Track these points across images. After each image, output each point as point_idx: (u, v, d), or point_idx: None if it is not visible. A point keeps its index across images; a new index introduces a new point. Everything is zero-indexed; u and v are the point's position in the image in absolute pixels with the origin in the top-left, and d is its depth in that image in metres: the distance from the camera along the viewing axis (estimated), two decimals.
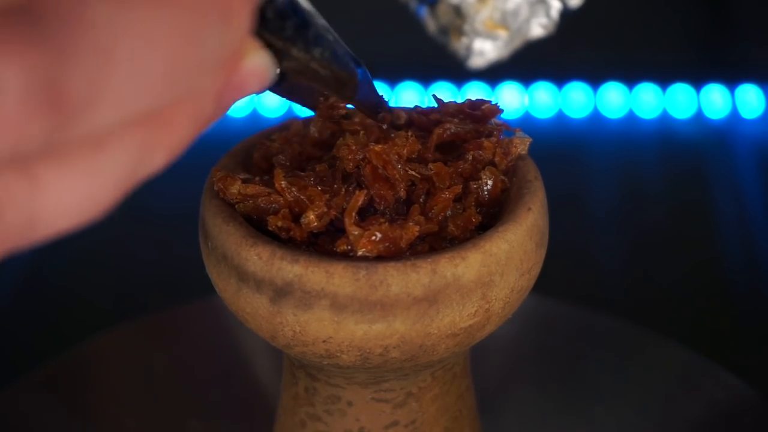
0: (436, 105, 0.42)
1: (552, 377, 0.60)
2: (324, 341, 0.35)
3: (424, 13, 0.57)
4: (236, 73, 0.23)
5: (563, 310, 0.64)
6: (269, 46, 0.26)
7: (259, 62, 0.24)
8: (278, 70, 0.27)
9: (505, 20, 0.54)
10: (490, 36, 0.54)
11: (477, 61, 0.56)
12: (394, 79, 0.97)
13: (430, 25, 0.57)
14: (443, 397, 0.42)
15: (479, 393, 0.46)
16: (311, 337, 0.35)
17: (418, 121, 0.41)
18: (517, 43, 0.56)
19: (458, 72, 0.96)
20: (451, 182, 0.37)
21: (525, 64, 0.98)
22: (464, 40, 0.55)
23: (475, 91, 0.96)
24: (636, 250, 0.80)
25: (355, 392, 0.40)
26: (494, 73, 0.96)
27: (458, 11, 0.55)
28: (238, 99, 0.24)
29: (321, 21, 0.29)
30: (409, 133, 0.38)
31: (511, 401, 0.59)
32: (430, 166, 0.37)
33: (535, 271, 0.38)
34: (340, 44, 0.30)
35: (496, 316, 0.37)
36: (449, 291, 0.35)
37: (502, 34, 0.54)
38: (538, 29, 0.56)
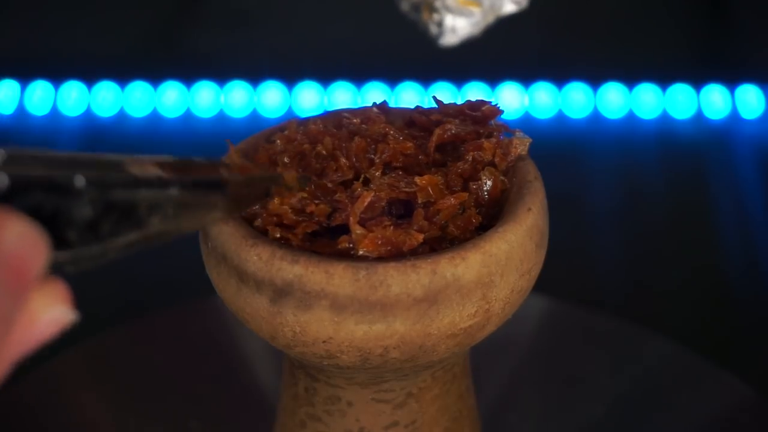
0: (436, 106, 0.42)
1: (552, 377, 0.60)
2: (324, 342, 0.35)
3: None
4: (26, 330, 0.23)
5: (563, 310, 0.64)
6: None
7: (53, 316, 0.23)
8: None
9: None
10: (462, 12, 0.54)
11: (449, 39, 0.55)
12: (394, 79, 0.97)
13: (403, 2, 0.56)
14: (443, 398, 0.42)
15: (480, 393, 0.46)
16: (311, 338, 0.35)
17: (419, 121, 0.41)
18: (490, 19, 0.55)
19: (458, 72, 0.96)
20: (443, 193, 0.37)
21: (525, 64, 0.98)
22: (436, 17, 0.54)
23: (475, 91, 0.96)
24: (636, 250, 0.80)
25: (355, 392, 0.40)
26: (494, 73, 0.96)
27: None
28: (31, 348, 0.24)
29: (149, 183, 0.26)
30: (401, 137, 0.38)
31: (511, 401, 0.59)
32: (417, 180, 0.37)
33: (535, 272, 0.38)
34: (184, 187, 0.27)
35: (496, 317, 0.37)
36: (449, 291, 0.35)
37: (475, 10, 0.54)
38: (510, 5, 0.55)
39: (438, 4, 0.54)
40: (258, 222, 0.37)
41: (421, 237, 0.35)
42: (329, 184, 0.38)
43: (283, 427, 0.44)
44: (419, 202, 0.37)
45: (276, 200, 0.36)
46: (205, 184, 0.29)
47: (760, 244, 0.80)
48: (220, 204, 0.29)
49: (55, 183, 0.22)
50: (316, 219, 0.36)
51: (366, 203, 0.35)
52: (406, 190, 0.37)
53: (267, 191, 0.35)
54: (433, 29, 0.55)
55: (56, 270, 0.23)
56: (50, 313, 0.22)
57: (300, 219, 0.36)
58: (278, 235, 0.36)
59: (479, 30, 0.55)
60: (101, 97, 0.97)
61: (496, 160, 0.39)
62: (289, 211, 0.36)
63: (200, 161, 0.30)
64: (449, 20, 0.54)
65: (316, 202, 0.36)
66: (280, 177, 0.36)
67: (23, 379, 0.59)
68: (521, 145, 0.40)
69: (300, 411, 0.42)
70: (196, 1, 1.01)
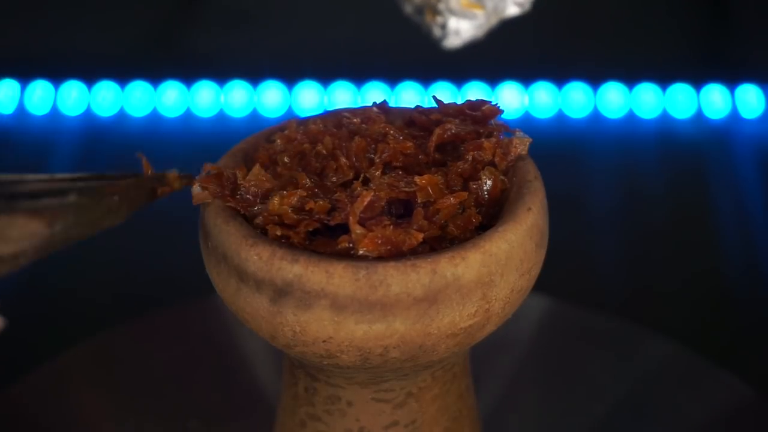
0: (436, 105, 0.42)
1: (552, 377, 0.60)
2: (324, 341, 0.35)
3: None
4: None
5: (563, 310, 0.64)
6: None
7: None
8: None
9: None
10: (465, 15, 0.54)
11: (453, 41, 0.55)
12: (394, 79, 0.97)
13: (406, 5, 0.56)
14: (443, 397, 0.42)
15: (480, 393, 0.46)
16: (311, 337, 0.35)
17: (419, 120, 0.41)
18: (494, 21, 0.55)
19: (458, 72, 0.96)
20: (442, 192, 0.37)
21: (525, 64, 0.98)
22: (439, 20, 0.54)
23: (475, 91, 0.96)
24: (636, 250, 0.80)
25: (355, 392, 0.40)
26: (494, 73, 0.96)
27: None
28: None
29: None
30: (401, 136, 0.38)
31: (511, 401, 0.59)
32: (417, 179, 0.37)
33: (535, 271, 0.38)
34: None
35: (496, 316, 0.37)
36: (449, 291, 0.35)
37: (478, 12, 0.54)
38: (513, 8, 0.55)
39: (441, 6, 0.54)
40: (258, 220, 0.37)
41: (420, 236, 0.35)
42: (329, 184, 0.38)
43: (283, 426, 0.44)
44: (419, 201, 0.37)
45: (276, 200, 0.36)
46: (100, 188, 0.31)
47: (760, 244, 0.80)
48: (114, 207, 0.32)
49: None
50: (317, 216, 0.36)
51: (366, 203, 0.35)
52: (406, 189, 0.37)
53: (153, 191, 0.37)
54: (437, 32, 0.55)
55: None
56: None
57: (301, 217, 0.36)
58: (279, 233, 0.36)
59: (483, 32, 0.55)
60: (101, 97, 0.97)
61: (496, 159, 0.39)
62: (290, 210, 0.36)
63: (114, 174, 0.32)
64: (453, 23, 0.54)
65: (316, 199, 0.36)
66: (163, 176, 0.38)
67: (23, 379, 0.59)
68: (521, 144, 0.40)
69: (300, 411, 0.42)
70: (196, 1, 1.01)
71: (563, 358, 0.62)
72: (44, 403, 0.58)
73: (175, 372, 0.61)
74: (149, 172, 0.38)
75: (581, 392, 0.59)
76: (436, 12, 0.54)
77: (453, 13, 0.54)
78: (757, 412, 0.56)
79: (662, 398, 0.58)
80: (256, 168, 0.38)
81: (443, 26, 0.54)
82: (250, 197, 0.37)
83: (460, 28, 0.55)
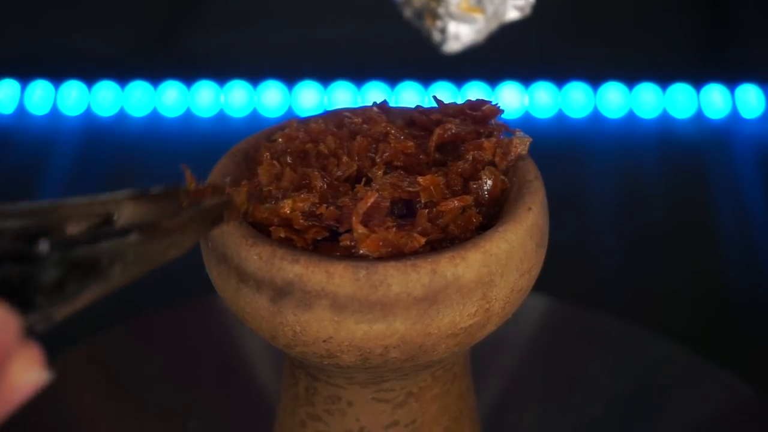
0: (436, 105, 0.42)
1: (552, 377, 0.60)
2: (324, 341, 0.35)
3: None
4: (6, 396, 0.23)
5: (563, 310, 0.64)
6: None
7: (30, 379, 0.24)
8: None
9: (480, 2, 0.54)
10: (465, 19, 0.54)
11: (452, 46, 0.55)
12: (394, 79, 0.97)
13: (406, 9, 0.56)
14: (443, 397, 0.42)
15: (480, 393, 0.46)
16: (311, 337, 0.35)
17: (420, 120, 0.41)
18: (493, 26, 0.55)
19: (458, 72, 0.96)
20: (444, 193, 0.37)
21: (525, 64, 0.98)
22: (439, 24, 0.54)
23: (475, 91, 0.96)
24: (636, 250, 0.80)
25: (356, 392, 0.40)
26: (494, 73, 0.96)
27: None
28: (10, 412, 0.24)
29: (107, 235, 0.26)
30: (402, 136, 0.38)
31: (511, 401, 0.59)
32: (419, 179, 0.37)
33: (535, 271, 0.38)
34: (139, 232, 0.28)
35: (496, 316, 0.37)
36: (449, 291, 0.35)
37: (478, 17, 0.54)
38: (513, 12, 0.55)
39: (441, 10, 0.54)
40: (262, 215, 0.37)
41: (423, 240, 0.35)
42: (335, 180, 0.38)
43: (283, 426, 0.44)
44: (422, 202, 0.37)
45: (288, 204, 0.36)
46: (163, 225, 0.29)
47: (760, 244, 0.80)
48: (177, 241, 0.30)
49: (19, 253, 0.23)
50: (326, 223, 0.36)
51: (369, 204, 0.35)
52: (410, 189, 0.37)
53: (220, 217, 0.35)
54: (437, 36, 0.55)
55: (27, 332, 0.24)
56: (27, 377, 0.24)
57: (310, 224, 0.36)
58: (282, 236, 0.36)
59: (483, 37, 0.55)
60: (101, 97, 0.97)
61: (496, 159, 0.39)
62: (300, 216, 0.36)
63: (158, 190, 0.30)
64: (452, 27, 0.54)
65: (326, 205, 0.36)
66: (231, 201, 0.36)
67: None
68: (521, 144, 0.40)
69: (300, 410, 0.42)
70: (196, 1, 1.01)
71: (563, 358, 0.61)
72: (44, 403, 0.58)
73: (175, 372, 0.61)
74: (192, 185, 0.36)
75: (581, 392, 0.59)
76: (435, 16, 0.54)
77: (453, 17, 0.54)
78: (757, 412, 0.56)
79: (662, 398, 0.58)
80: (267, 160, 0.38)
81: (443, 30, 0.54)
82: (279, 196, 0.37)
83: (460, 33, 0.55)
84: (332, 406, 0.41)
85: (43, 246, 0.23)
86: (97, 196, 0.27)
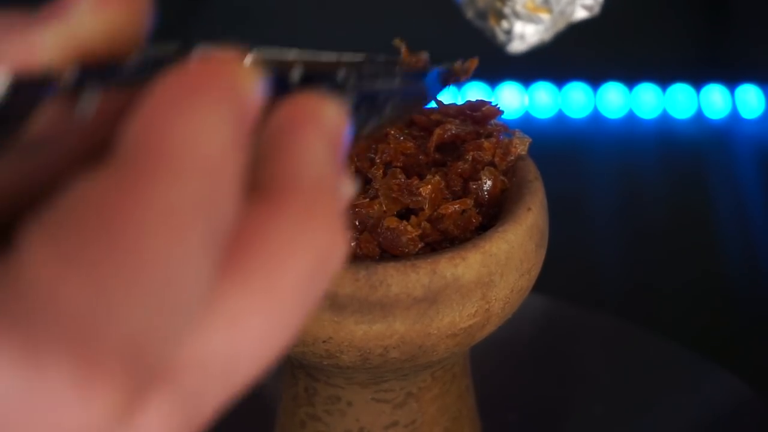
0: (436, 106, 0.42)
1: (552, 377, 0.60)
2: (324, 341, 0.35)
3: None
4: None
5: (563, 310, 0.64)
6: None
7: (347, 191, 0.23)
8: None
9: (547, 2, 0.53)
10: (531, 19, 0.53)
11: (517, 46, 0.54)
12: None
13: (468, 9, 0.55)
14: (443, 397, 0.42)
15: (480, 393, 0.46)
16: (311, 337, 0.35)
17: (419, 121, 0.41)
18: (561, 26, 0.54)
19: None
20: (443, 193, 0.37)
21: (525, 64, 0.98)
22: (504, 24, 0.53)
23: (475, 91, 0.96)
24: (636, 250, 0.80)
25: (355, 392, 0.40)
26: (494, 73, 0.96)
27: None
28: None
29: (377, 74, 0.28)
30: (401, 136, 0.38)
31: (511, 401, 0.59)
32: (421, 190, 0.37)
33: (535, 272, 0.38)
34: (402, 77, 0.30)
35: (495, 316, 0.37)
36: (449, 291, 0.35)
37: (545, 16, 0.53)
38: (582, 12, 0.54)
39: (506, 10, 0.53)
40: None
41: (417, 232, 0.36)
42: None
43: (282, 427, 0.44)
44: (426, 212, 0.37)
45: None
46: (414, 73, 0.31)
47: (760, 244, 0.80)
48: (423, 94, 0.31)
49: (327, 75, 0.24)
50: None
51: None
52: (413, 200, 0.37)
53: (446, 82, 0.36)
54: (501, 36, 0.54)
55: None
56: (347, 187, 0.22)
57: None
58: None
59: (549, 36, 0.55)
60: None
61: (496, 160, 0.39)
62: None
63: (382, 58, 0.32)
64: (518, 27, 0.53)
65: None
66: (452, 68, 0.37)
67: None
68: (521, 145, 0.40)
69: (300, 411, 0.42)
70: (196, 1, 1.01)
71: (563, 358, 0.61)
72: None
73: None
74: (407, 57, 0.38)
75: (581, 392, 0.59)
76: (500, 16, 0.53)
77: (519, 17, 0.53)
78: (757, 412, 0.56)
79: (662, 398, 0.58)
80: None
81: (508, 31, 0.53)
82: None
83: (525, 33, 0.54)
84: (332, 406, 0.41)
85: (341, 74, 0.24)
86: (331, 55, 0.28)
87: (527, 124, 0.94)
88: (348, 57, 0.28)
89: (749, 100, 0.95)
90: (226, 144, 0.19)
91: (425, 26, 0.93)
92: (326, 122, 0.21)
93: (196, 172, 0.18)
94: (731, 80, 0.97)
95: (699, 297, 0.74)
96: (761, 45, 0.98)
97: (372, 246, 0.35)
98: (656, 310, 0.72)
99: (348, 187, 0.22)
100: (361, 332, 0.35)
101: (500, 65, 0.96)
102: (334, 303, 0.34)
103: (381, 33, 0.92)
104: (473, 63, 0.38)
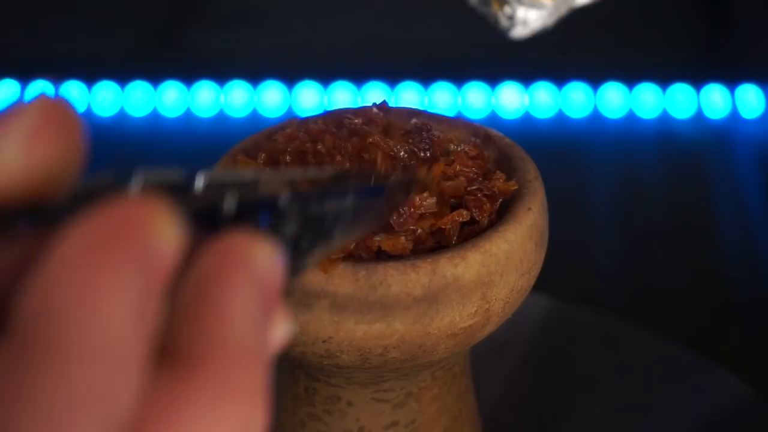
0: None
1: (552, 377, 0.60)
2: (324, 341, 0.35)
3: None
4: None
5: (563, 310, 0.64)
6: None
7: (282, 333, 0.22)
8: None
9: None
10: (534, 4, 0.53)
11: (520, 31, 0.54)
12: (394, 79, 0.97)
13: None
14: (443, 397, 0.42)
15: (480, 393, 0.46)
16: (311, 337, 0.35)
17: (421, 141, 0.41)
18: (563, 11, 0.54)
19: (458, 72, 0.96)
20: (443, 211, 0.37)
21: (525, 64, 0.98)
22: (507, 9, 0.53)
23: (475, 91, 0.96)
24: (636, 250, 0.80)
25: (355, 392, 0.40)
26: (494, 73, 0.96)
27: None
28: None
29: (326, 193, 0.26)
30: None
31: (511, 401, 0.59)
32: (441, 223, 0.37)
33: (535, 271, 0.38)
34: (355, 192, 0.27)
35: (495, 316, 0.37)
36: (449, 291, 0.35)
37: (547, 2, 0.53)
38: None
39: None
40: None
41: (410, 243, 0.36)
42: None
43: (282, 427, 0.44)
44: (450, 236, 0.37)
45: None
46: (372, 189, 0.29)
47: (760, 244, 0.80)
48: (381, 209, 0.30)
49: (266, 202, 0.23)
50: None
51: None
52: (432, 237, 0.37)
53: (408, 193, 0.34)
54: (504, 22, 0.54)
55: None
56: (280, 330, 0.21)
57: None
58: None
59: (552, 22, 0.54)
60: (101, 97, 0.97)
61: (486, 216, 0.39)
62: None
63: (337, 172, 0.30)
64: (521, 12, 0.53)
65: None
66: (415, 178, 0.36)
67: None
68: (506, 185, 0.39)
69: (300, 411, 0.42)
70: (196, 1, 1.01)
71: (563, 358, 0.61)
72: None
73: None
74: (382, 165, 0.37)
75: (581, 392, 0.59)
76: (503, 2, 0.53)
77: (521, 2, 0.52)
78: (757, 412, 0.56)
79: (662, 398, 0.58)
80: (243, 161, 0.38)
81: (511, 16, 0.53)
82: None
83: (528, 18, 0.53)
84: (332, 406, 0.41)
85: (283, 199, 0.23)
86: (275, 175, 0.27)
87: (527, 124, 0.94)
88: (295, 174, 0.27)
89: (749, 100, 0.95)
90: (129, 318, 0.17)
91: (425, 26, 0.93)
92: (256, 267, 0.19)
93: (92, 358, 0.16)
94: (731, 80, 0.97)
95: (699, 296, 0.74)
96: (761, 45, 0.98)
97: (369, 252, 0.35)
98: (656, 309, 0.72)
99: (281, 330, 0.21)
100: (361, 332, 0.35)
101: (500, 65, 0.97)
102: (334, 303, 0.34)
103: (382, 27, 0.92)
104: (439, 168, 0.37)
